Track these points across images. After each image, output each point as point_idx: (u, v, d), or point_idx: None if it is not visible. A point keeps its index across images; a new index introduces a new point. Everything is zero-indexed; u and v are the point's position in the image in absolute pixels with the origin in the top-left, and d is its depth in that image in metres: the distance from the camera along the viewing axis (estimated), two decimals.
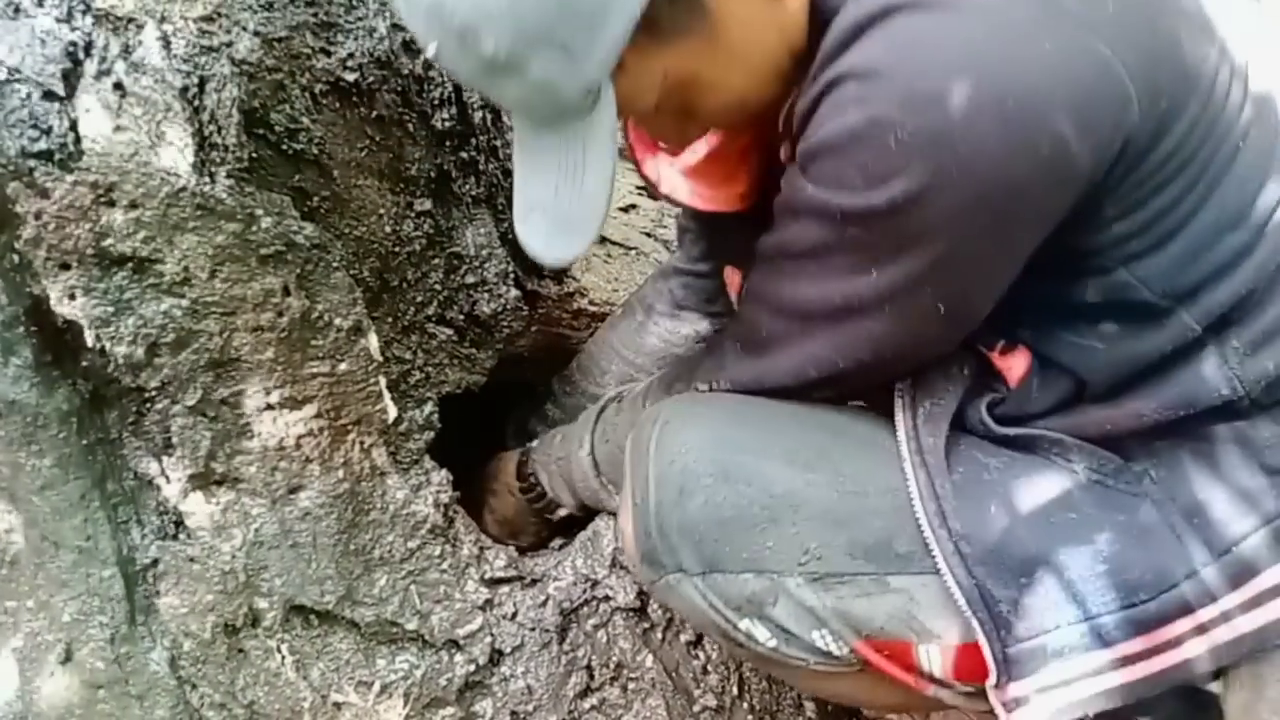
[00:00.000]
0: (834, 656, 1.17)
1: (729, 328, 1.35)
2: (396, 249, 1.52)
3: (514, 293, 1.73)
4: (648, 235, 2.60)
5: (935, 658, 1.15)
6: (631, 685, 1.57)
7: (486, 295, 1.70)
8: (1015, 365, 1.18)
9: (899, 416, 1.19)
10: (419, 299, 1.59)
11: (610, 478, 1.57)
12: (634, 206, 2.77)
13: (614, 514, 1.63)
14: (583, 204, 1.08)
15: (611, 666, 1.60)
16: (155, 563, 1.32)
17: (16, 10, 1.11)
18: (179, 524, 1.33)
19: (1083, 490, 1.15)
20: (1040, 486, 1.16)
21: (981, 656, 1.10)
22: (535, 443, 1.75)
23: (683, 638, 1.60)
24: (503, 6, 0.90)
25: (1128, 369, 1.12)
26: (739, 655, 1.24)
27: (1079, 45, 0.90)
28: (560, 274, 1.97)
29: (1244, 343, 1.08)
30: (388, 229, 1.49)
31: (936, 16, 0.90)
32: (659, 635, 1.62)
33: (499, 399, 1.93)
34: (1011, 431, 1.19)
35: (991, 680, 1.10)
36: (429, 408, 1.58)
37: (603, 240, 2.48)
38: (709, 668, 1.60)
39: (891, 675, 1.17)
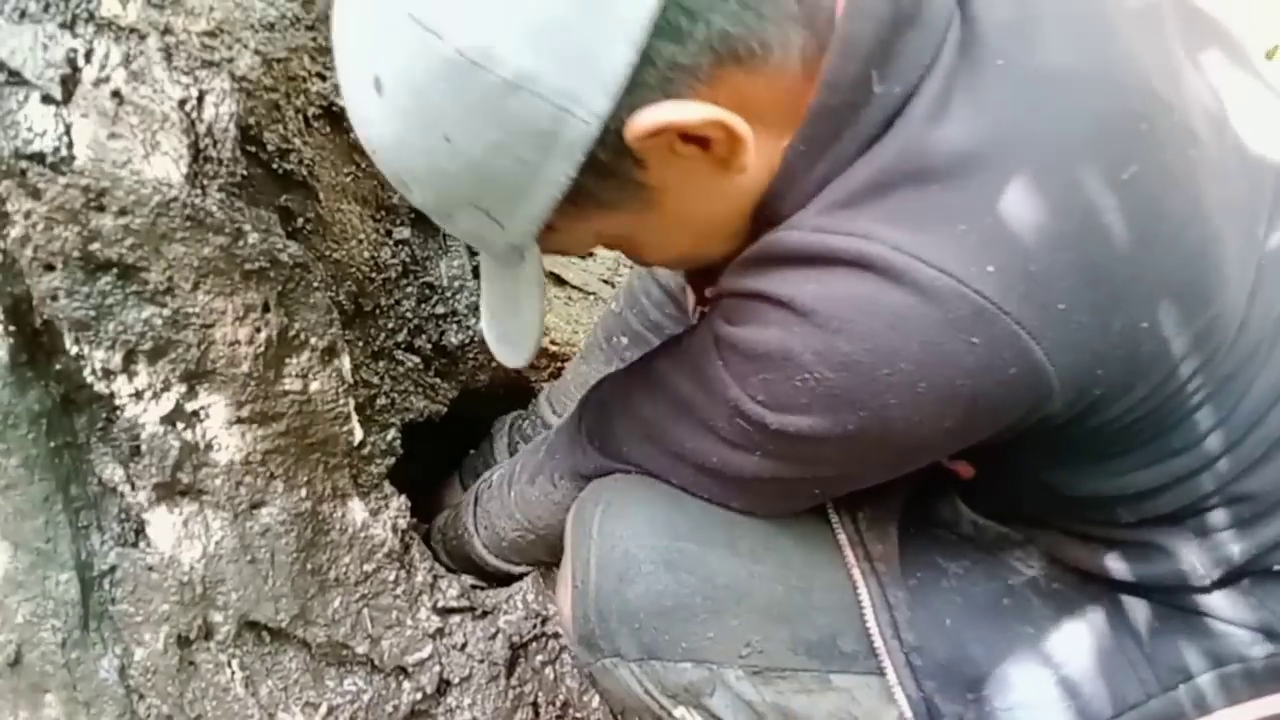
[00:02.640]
0: None
1: (583, 419, 1.35)
2: (373, 274, 1.53)
3: (481, 325, 1.74)
4: (605, 282, 2.64)
5: None
6: None
7: (455, 326, 1.72)
8: (963, 469, 1.16)
9: (834, 521, 1.19)
10: (390, 325, 1.61)
11: (501, 555, 1.61)
12: (591, 254, 2.81)
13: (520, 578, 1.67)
14: (518, 329, 1.11)
15: (558, 705, 1.60)
16: (113, 569, 1.32)
17: (22, 15, 1.12)
18: (139, 532, 1.33)
19: (1042, 600, 1.16)
20: (999, 597, 1.17)
21: None
22: (439, 518, 1.78)
23: None
24: (424, 171, 0.90)
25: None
26: None
27: (1011, 347, 0.85)
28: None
29: (1202, 532, 1.04)
30: (366, 254, 1.50)
31: (881, 287, 0.85)
32: None
33: (454, 432, 1.94)
34: (981, 521, 1.20)
35: None
36: (392, 433, 1.58)
37: (562, 283, 2.51)
38: None
39: None
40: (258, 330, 1.27)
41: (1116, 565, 1.10)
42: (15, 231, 1.13)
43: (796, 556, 1.18)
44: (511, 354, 1.15)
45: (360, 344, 1.54)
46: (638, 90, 0.82)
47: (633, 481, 1.24)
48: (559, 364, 2.07)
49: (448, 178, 0.90)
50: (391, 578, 1.51)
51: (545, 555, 1.55)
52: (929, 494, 1.23)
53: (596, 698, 1.62)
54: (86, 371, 1.23)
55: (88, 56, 1.14)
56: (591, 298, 2.47)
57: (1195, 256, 0.89)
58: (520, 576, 1.65)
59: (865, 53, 0.87)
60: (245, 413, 1.31)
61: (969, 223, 0.84)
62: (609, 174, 0.89)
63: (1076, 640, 1.13)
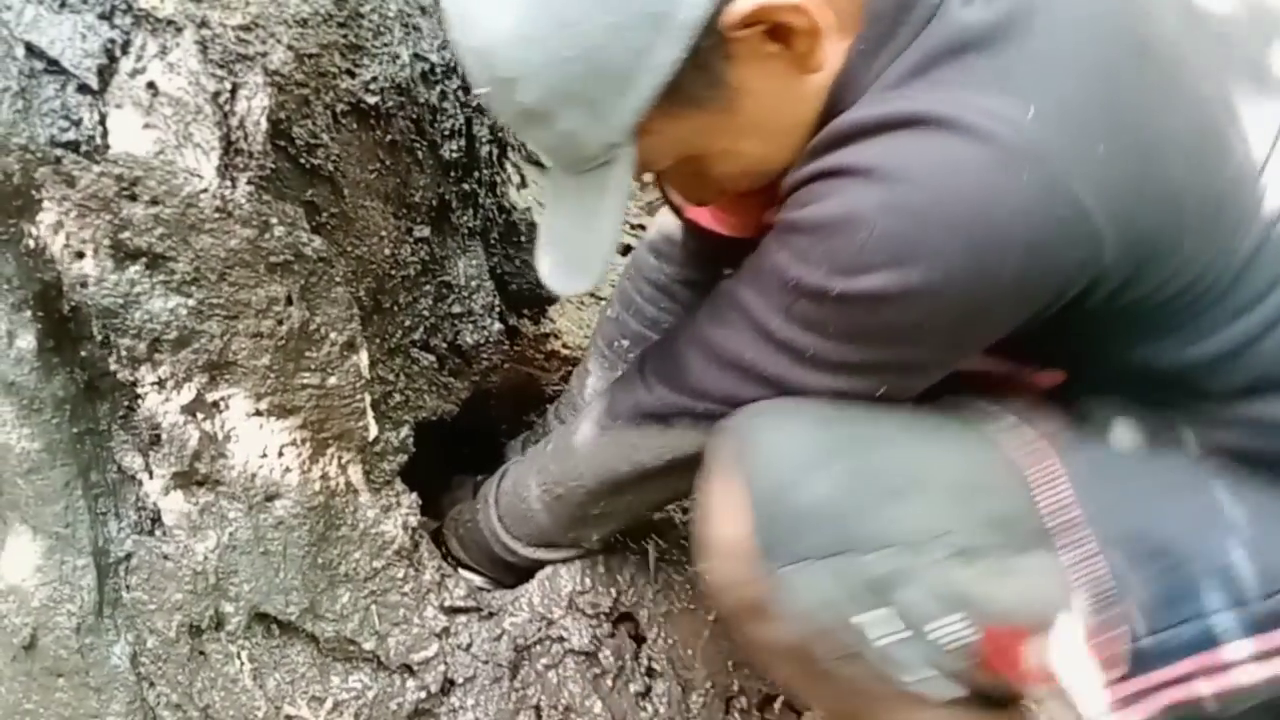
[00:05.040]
0: (944, 658, 1.10)
1: (645, 363, 1.36)
2: (393, 272, 1.54)
3: (497, 326, 1.75)
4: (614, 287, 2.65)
5: (1051, 647, 1.10)
6: None
7: (471, 326, 1.73)
8: (1046, 378, 1.18)
9: (995, 408, 1.18)
10: (407, 323, 1.61)
11: (515, 528, 1.59)
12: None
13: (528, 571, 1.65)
14: (592, 245, 1.16)
15: (560, 709, 1.60)
16: (129, 557, 1.33)
17: (62, 5, 1.13)
18: (156, 520, 1.34)
19: (1198, 469, 1.15)
20: (1171, 468, 1.15)
21: (1099, 648, 1.08)
22: (455, 509, 1.77)
23: (631, 687, 1.60)
24: (539, 63, 0.96)
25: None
26: (829, 674, 1.16)
27: (1058, 189, 0.91)
28: (538, 314, 2.00)
29: None
30: (387, 251, 1.51)
31: (934, 135, 0.93)
32: (609, 682, 1.63)
33: (464, 433, 1.95)
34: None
35: (1114, 674, 1.08)
36: (405, 430, 1.59)
37: None
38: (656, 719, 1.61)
39: (998, 670, 1.11)
40: (279, 323, 1.28)
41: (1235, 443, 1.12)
42: (48, 218, 1.14)
43: (967, 438, 1.17)
44: (577, 277, 1.19)
45: (377, 340, 1.55)
46: None
47: (778, 399, 1.21)
48: (570, 367, 2.07)
49: (561, 67, 0.96)
50: (400, 575, 1.52)
51: (561, 522, 1.53)
52: None
53: (599, 704, 1.62)
54: (111, 359, 1.24)
55: (124, 47, 1.15)
56: (603, 303, 2.48)
57: (1209, 108, 0.98)
58: (526, 570, 1.65)
59: None
60: (264, 405, 1.32)
61: (1007, 76, 0.93)
62: (703, 67, 0.98)
63: (1255, 504, 1.11)
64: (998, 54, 0.94)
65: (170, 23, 1.17)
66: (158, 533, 1.34)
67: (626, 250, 2.87)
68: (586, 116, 1.01)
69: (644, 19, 0.92)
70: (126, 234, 1.16)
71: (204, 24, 1.18)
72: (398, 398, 1.60)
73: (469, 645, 1.57)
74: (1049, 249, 0.93)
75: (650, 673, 1.59)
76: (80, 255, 1.17)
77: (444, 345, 1.71)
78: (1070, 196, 0.91)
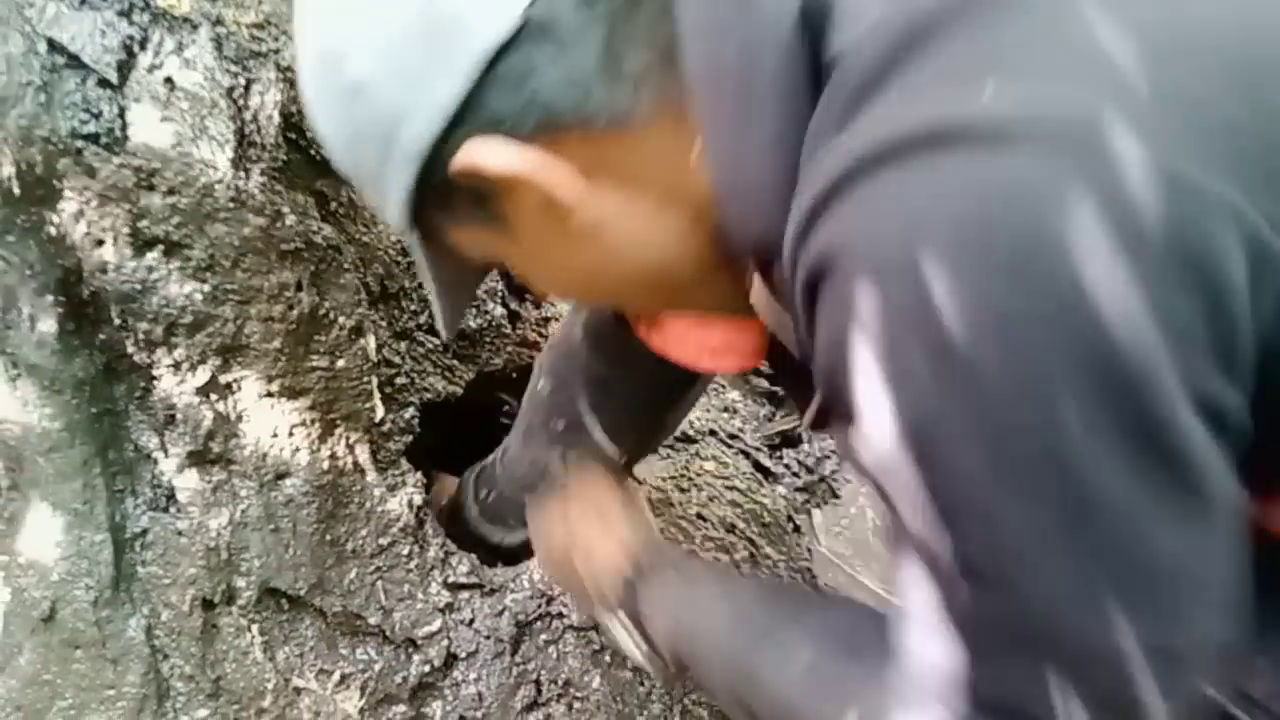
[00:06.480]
0: None
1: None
2: (399, 258, 1.58)
3: (500, 310, 1.79)
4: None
5: None
6: (577, 705, 1.62)
7: (474, 311, 1.77)
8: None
9: None
10: (413, 307, 1.66)
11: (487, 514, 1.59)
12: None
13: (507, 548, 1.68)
14: (433, 302, 1.02)
15: (560, 683, 1.64)
16: (144, 533, 1.37)
17: (83, 2, 1.18)
18: (170, 498, 1.38)
19: None
20: None
21: None
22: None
23: (629, 662, 1.65)
24: (329, 137, 0.86)
25: None
26: None
27: (1148, 167, 0.53)
28: (539, 299, 2.03)
29: None
30: (393, 238, 1.55)
31: (949, 161, 0.59)
32: (608, 658, 1.67)
33: (466, 414, 1.99)
34: None
35: None
36: (410, 411, 1.63)
37: None
38: (653, 695, 1.65)
39: None
40: (290, 308, 1.33)
41: None
42: (70, 207, 1.19)
43: None
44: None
45: (384, 324, 1.59)
46: (462, 126, 0.78)
47: None
48: None
49: (334, 145, 0.87)
50: (405, 552, 1.56)
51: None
52: None
53: (598, 678, 1.66)
54: (129, 342, 1.28)
55: (143, 44, 1.19)
56: None
57: None
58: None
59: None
60: (275, 386, 1.36)
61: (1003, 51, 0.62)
62: (457, 192, 0.84)
63: None
64: (969, 32, 0.63)
65: (187, 20, 1.21)
66: (172, 510, 1.39)
67: None
68: (375, 197, 0.89)
69: (371, 140, 0.81)
70: (144, 222, 1.21)
71: (219, 22, 1.22)
72: (403, 379, 1.64)
73: (471, 620, 1.61)
74: (1168, 238, 0.56)
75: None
76: (100, 243, 1.21)
77: None
78: (1166, 169, 0.56)
